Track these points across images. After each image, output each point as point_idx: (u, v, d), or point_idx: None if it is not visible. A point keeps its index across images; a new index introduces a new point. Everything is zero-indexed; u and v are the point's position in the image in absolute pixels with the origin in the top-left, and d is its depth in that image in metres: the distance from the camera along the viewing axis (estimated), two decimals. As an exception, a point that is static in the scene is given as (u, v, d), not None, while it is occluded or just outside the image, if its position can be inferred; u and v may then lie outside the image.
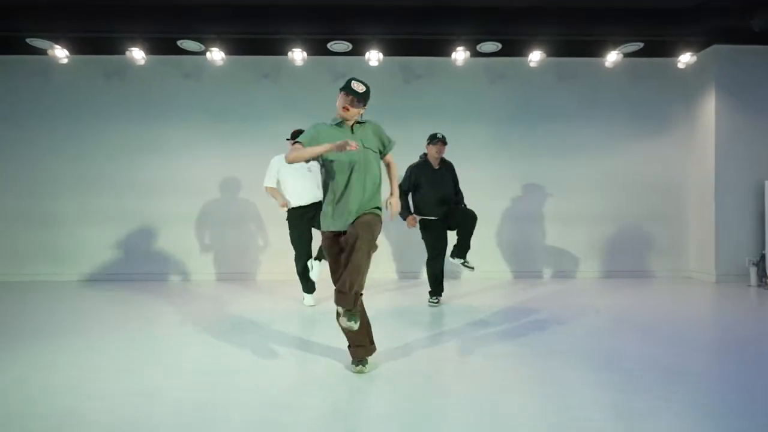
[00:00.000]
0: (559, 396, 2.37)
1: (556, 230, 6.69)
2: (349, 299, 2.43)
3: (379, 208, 2.76)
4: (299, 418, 2.11)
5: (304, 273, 4.54)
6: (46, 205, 6.46)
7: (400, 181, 4.12)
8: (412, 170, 4.70)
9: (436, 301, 4.67)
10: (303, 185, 4.46)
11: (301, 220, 4.44)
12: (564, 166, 6.67)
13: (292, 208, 4.47)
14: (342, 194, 2.66)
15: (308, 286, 4.62)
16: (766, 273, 5.98)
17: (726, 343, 3.46)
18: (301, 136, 2.71)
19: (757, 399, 2.34)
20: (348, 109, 2.67)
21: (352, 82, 2.69)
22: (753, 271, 5.96)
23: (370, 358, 2.78)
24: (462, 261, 4.58)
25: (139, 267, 6.47)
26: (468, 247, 4.56)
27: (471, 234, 4.53)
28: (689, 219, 6.73)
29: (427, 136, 4.76)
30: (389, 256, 6.57)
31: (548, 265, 6.66)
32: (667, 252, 6.72)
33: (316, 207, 4.17)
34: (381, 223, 2.70)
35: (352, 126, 2.77)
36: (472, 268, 4.60)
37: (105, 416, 2.13)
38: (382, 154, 2.87)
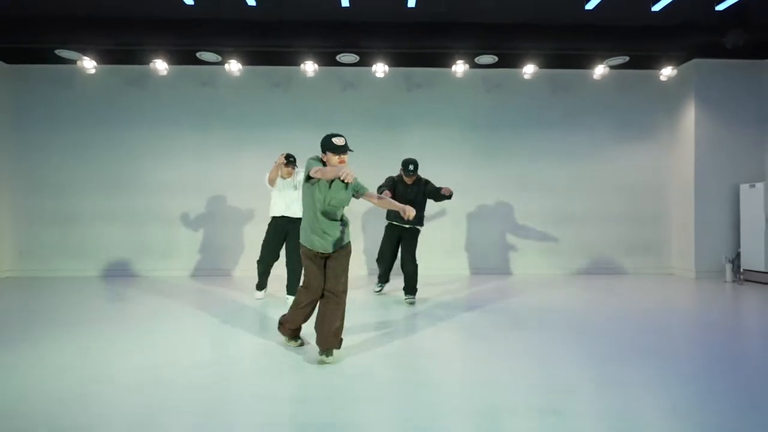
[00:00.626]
0: (546, 364, 2.84)
1: (547, 230, 7.17)
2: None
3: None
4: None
5: (264, 272, 4.93)
6: (71, 205, 6.88)
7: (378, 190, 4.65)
8: (390, 179, 4.93)
9: (380, 288, 5.35)
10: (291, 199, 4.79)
11: (280, 230, 4.77)
12: (554, 170, 7.16)
13: (274, 216, 4.80)
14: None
15: (262, 285, 5.04)
16: (740, 269, 6.48)
17: (702, 329, 3.94)
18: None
19: (725, 367, 2.82)
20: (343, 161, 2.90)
21: (333, 138, 2.90)
22: (729, 267, 6.46)
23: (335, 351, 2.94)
24: (410, 298, 4.83)
25: (157, 264, 6.90)
26: (414, 287, 4.86)
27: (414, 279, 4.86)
28: (671, 220, 7.24)
29: (401, 163, 4.87)
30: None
31: (539, 263, 7.14)
32: (650, 250, 7.22)
33: (297, 222, 4.42)
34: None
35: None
36: (412, 303, 4.79)
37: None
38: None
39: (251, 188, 7.00)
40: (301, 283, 3.10)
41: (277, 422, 2.11)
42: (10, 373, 2.72)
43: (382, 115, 7.07)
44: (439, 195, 4.78)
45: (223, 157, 7.01)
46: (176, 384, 2.54)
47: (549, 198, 7.16)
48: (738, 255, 6.61)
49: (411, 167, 4.78)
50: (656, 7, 5.19)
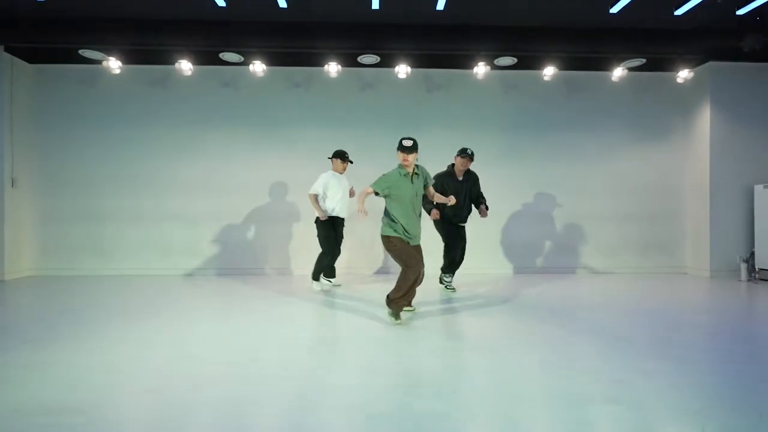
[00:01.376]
0: (565, 357, 2.93)
1: (563, 230, 7.27)
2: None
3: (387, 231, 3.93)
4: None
5: (331, 264, 5.56)
6: (93, 204, 6.93)
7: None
8: (439, 179, 5.26)
9: (449, 279, 5.54)
10: (344, 201, 5.48)
11: (334, 226, 5.43)
12: (571, 170, 7.26)
13: (331, 216, 5.38)
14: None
15: (330, 273, 5.71)
16: (755, 269, 6.60)
17: (718, 328, 4.04)
18: (375, 184, 3.90)
19: (739, 366, 2.92)
20: (407, 160, 3.82)
21: (403, 140, 3.81)
22: (743, 267, 6.58)
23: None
24: (448, 280, 5.53)
25: (179, 262, 6.96)
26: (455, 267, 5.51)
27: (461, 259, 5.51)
28: (685, 219, 7.35)
29: (458, 149, 5.33)
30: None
31: (554, 262, 7.24)
32: (664, 250, 7.33)
33: (343, 221, 5.53)
34: (388, 243, 3.92)
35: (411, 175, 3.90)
36: (453, 289, 5.47)
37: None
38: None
39: (272, 187, 7.08)
40: (405, 266, 3.82)
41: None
42: (43, 371, 2.78)
43: (402, 116, 7.15)
44: (477, 205, 5.37)
45: (245, 157, 7.06)
46: (212, 379, 2.62)
47: (565, 198, 7.26)
48: (752, 254, 6.72)
49: (469, 150, 5.22)
50: (679, 11, 5.29)
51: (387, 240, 3.88)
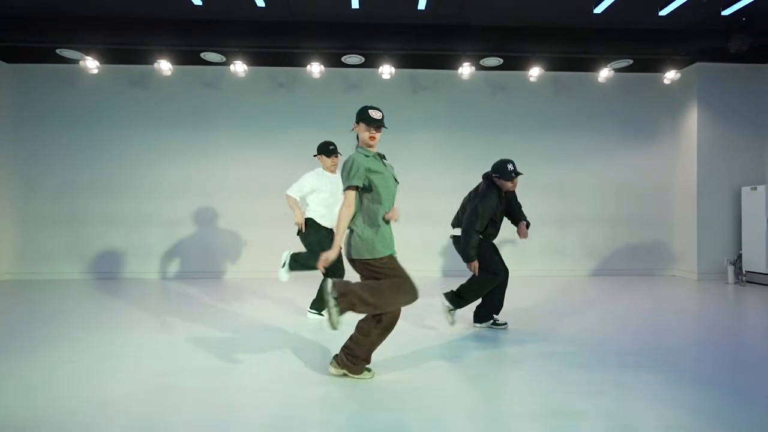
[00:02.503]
0: (553, 354, 2.85)
1: (552, 232, 7.20)
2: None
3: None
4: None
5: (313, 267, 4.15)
6: (71, 206, 6.80)
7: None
8: (490, 203, 3.85)
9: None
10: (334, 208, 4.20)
11: (322, 232, 4.23)
12: (557, 172, 7.19)
13: (318, 223, 4.23)
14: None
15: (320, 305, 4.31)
16: (742, 271, 6.55)
17: (705, 330, 3.97)
18: (354, 179, 2.56)
19: (724, 366, 2.84)
20: (374, 138, 2.67)
21: (372, 110, 2.65)
22: (731, 269, 6.53)
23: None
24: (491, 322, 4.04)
25: (159, 266, 6.84)
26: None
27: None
28: (673, 222, 7.30)
29: (500, 167, 3.91)
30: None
31: (543, 265, 7.17)
32: (653, 252, 7.28)
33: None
34: (379, 266, 2.61)
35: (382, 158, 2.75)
36: (505, 325, 4.02)
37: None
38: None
39: (255, 189, 6.97)
40: (398, 294, 2.57)
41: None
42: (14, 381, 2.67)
43: (388, 117, 7.03)
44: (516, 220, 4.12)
45: (227, 158, 6.95)
46: (185, 389, 2.51)
47: (552, 199, 7.19)
48: (740, 257, 6.67)
49: (511, 167, 3.87)
50: (664, 12, 5.22)
51: (378, 263, 2.56)
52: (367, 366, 2.75)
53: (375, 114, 2.65)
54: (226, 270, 6.91)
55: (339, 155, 4.33)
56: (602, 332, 3.83)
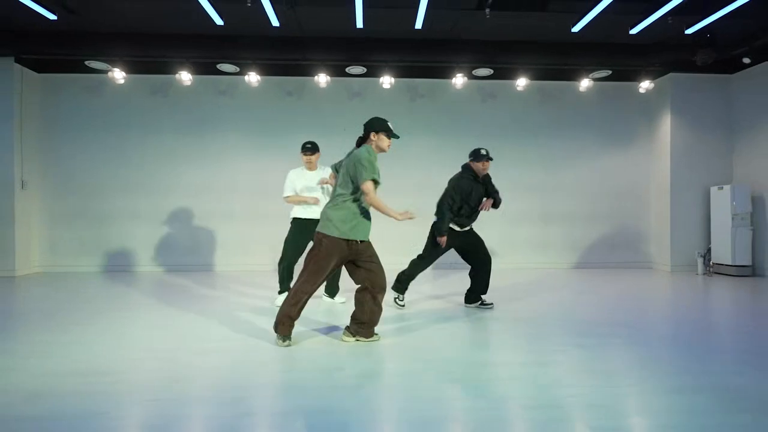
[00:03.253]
0: (536, 336, 3.47)
1: (537, 228, 7.84)
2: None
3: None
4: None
5: (286, 275, 4.61)
6: (97, 206, 7.38)
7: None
8: (465, 184, 4.41)
9: (402, 301, 4.61)
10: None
11: (304, 230, 4.54)
12: (544, 173, 7.83)
13: (300, 218, 4.60)
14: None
15: (284, 288, 4.62)
16: (710, 263, 7.20)
17: (673, 313, 4.61)
18: (369, 173, 3.13)
19: (688, 346, 3.48)
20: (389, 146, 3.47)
21: (389, 124, 3.51)
22: (700, 261, 7.18)
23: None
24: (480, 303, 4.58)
25: (180, 260, 7.44)
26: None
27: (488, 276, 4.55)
28: (649, 218, 7.95)
29: (473, 152, 4.53)
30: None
31: (530, 258, 7.81)
32: (630, 246, 7.93)
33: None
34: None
35: None
36: (491, 305, 4.58)
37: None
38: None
39: (267, 189, 7.57)
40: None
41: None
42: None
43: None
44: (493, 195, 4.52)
45: (239, 161, 7.54)
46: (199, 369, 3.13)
47: (539, 199, 7.82)
48: (709, 250, 7.32)
49: (484, 151, 4.38)
50: (633, 31, 5.86)
51: (369, 245, 3.31)
52: (375, 332, 3.38)
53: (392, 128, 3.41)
54: (237, 263, 7.51)
55: (309, 152, 4.55)
56: (579, 310, 4.47)
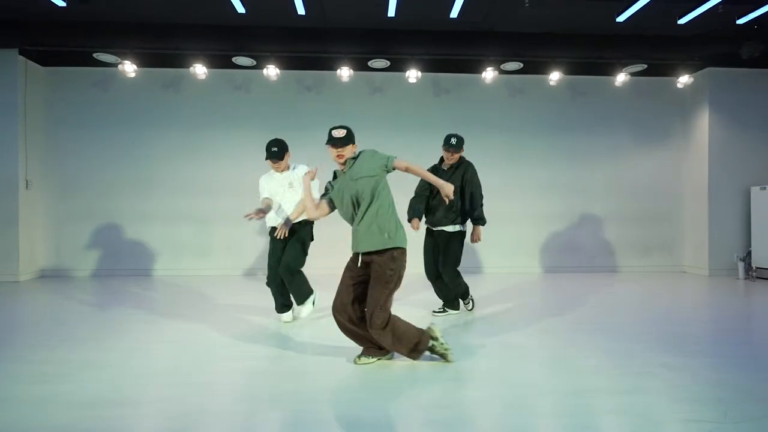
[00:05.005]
0: (568, 341, 3.11)
1: (568, 229, 7.47)
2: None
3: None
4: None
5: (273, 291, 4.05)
6: (105, 205, 7.00)
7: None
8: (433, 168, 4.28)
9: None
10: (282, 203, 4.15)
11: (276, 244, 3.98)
12: (575, 172, 7.46)
13: (274, 226, 4.05)
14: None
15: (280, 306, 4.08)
16: (752, 267, 6.85)
17: (716, 321, 4.25)
18: (387, 154, 2.89)
19: (740, 363, 3.11)
20: (340, 156, 2.85)
21: (332, 130, 2.87)
22: (741, 265, 6.82)
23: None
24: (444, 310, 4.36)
25: (190, 263, 7.06)
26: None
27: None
28: (685, 220, 7.59)
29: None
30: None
31: (559, 261, 7.44)
32: (664, 249, 7.57)
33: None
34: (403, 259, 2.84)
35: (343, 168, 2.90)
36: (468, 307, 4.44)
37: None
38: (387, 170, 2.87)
39: (284, 189, 7.19)
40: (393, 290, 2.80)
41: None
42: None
43: (410, 118, 7.31)
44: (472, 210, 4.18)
45: (254, 158, 7.14)
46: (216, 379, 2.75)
47: (569, 199, 7.45)
48: (749, 253, 6.97)
49: (453, 140, 4.12)
50: (682, 21, 5.50)
51: (403, 254, 2.82)
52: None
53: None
54: (253, 265, 7.13)
55: (274, 157, 4.12)
56: (617, 316, 4.10)
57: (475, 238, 4.19)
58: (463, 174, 4.22)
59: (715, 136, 7.14)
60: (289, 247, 3.89)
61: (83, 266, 6.97)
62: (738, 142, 7.15)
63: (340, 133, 2.84)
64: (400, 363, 2.95)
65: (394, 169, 2.85)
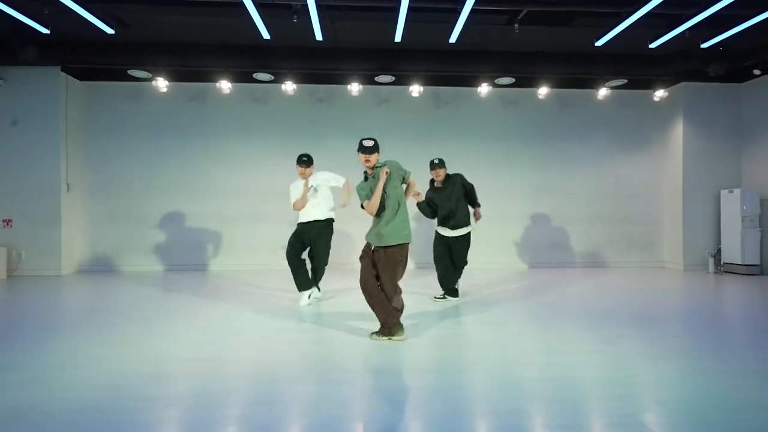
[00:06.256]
0: (556, 328, 3.84)
1: (556, 229, 8.22)
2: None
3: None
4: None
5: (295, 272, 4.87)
6: (137, 207, 7.72)
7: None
8: (427, 193, 5.17)
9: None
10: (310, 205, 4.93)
11: (300, 235, 4.92)
12: (563, 176, 8.21)
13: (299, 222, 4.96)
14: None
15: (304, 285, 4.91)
16: (721, 262, 7.60)
17: (686, 308, 4.99)
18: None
19: (702, 339, 3.85)
20: (368, 161, 3.56)
21: (363, 141, 3.57)
22: (711, 261, 7.57)
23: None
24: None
25: (214, 259, 7.78)
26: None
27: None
28: (662, 220, 8.34)
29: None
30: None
31: (550, 257, 8.18)
32: (644, 246, 8.32)
33: (315, 225, 4.90)
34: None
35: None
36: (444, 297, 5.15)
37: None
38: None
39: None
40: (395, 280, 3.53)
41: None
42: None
43: (413, 128, 8.04)
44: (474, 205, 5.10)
45: (272, 164, 7.88)
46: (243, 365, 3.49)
47: (557, 201, 8.20)
48: (719, 250, 7.72)
49: (436, 160, 4.96)
50: (653, 45, 6.23)
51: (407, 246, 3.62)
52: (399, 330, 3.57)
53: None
54: (273, 263, 7.85)
55: (305, 164, 4.92)
56: (601, 302, 4.84)
57: (477, 217, 5.13)
58: (461, 182, 5.06)
59: (689, 144, 7.90)
60: (321, 250, 5.00)
61: (116, 263, 7.68)
62: (709, 149, 7.91)
63: (369, 143, 3.59)
64: (408, 342, 3.69)
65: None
